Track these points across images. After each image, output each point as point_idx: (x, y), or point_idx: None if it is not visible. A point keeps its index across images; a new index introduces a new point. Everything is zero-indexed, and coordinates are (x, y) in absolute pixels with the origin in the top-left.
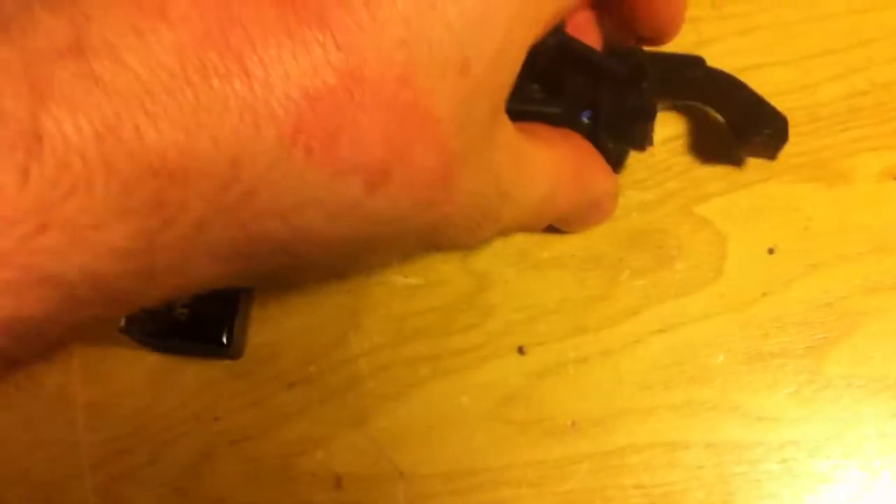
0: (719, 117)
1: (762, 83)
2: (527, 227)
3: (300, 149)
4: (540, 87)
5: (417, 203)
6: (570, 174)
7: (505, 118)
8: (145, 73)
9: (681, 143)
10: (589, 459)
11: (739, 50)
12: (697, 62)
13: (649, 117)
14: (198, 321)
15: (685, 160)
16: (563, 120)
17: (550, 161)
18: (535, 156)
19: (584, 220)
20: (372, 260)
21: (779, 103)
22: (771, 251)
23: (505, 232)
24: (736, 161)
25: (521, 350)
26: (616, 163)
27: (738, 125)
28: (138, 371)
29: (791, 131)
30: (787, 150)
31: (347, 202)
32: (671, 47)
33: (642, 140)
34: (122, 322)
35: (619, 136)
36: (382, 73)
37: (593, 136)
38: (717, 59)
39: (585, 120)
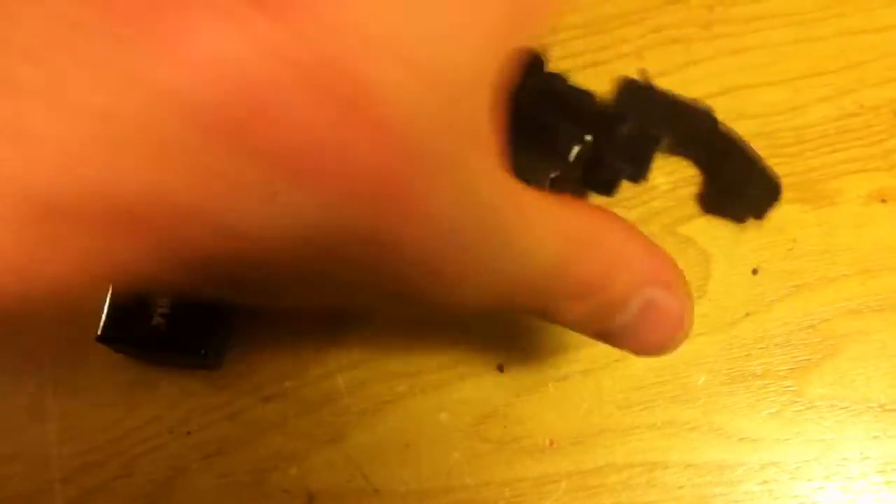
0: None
1: (751, 104)
2: (536, 304)
3: (216, 131)
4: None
5: (362, 208)
6: (593, 242)
7: (493, 155)
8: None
9: (666, 162)
10: (567, 478)
11: (729, 70)
12: (708, 116)
13: (651, 146)
14: (177, 331)
15: (670, 179)
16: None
17: (563, 219)
18: (542, 206)
19: (636, 331)
20: (326, 287)
21: (767, 124)
22: (755, 272)
23: (503, 301)
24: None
25: (500, 368)
26: (609, 185)
27: (732, 181)
28: (112, 382)
29: (779, 152)
30: (775, 170)
31: (271, 194)
32: (662, 65)
33: (639, 169)
34: (99, 330)
35: (621, 156)
36: (321, 56)
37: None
38: (706, 79)
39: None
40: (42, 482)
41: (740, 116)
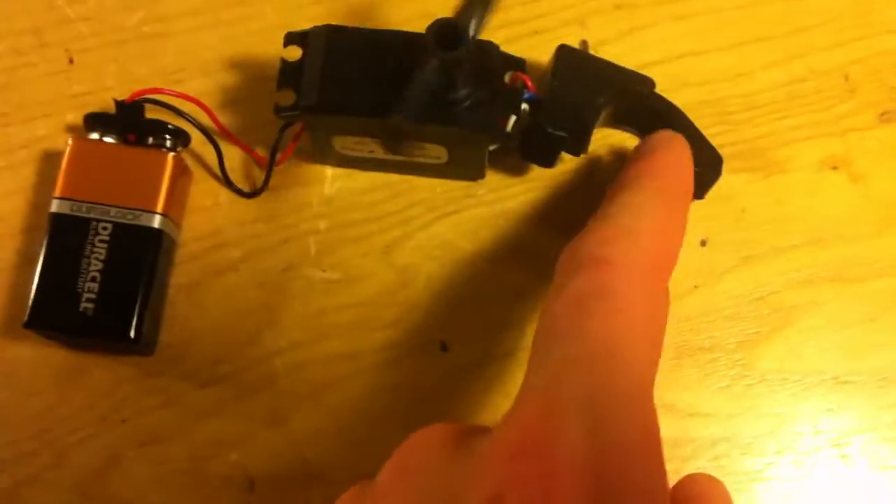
0: None
1: (697, 70)
2: None
3: None
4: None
5: None
6: None
7: None
8: None
9: (609, 133)
10: None
11: (674, 36)
12: (646, 81)
13: (591, 116)
14: (105, 315)
15: (614, 152)
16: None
17: None
18: None
19: None
20: None
21: (714, 91)
22: (703, 243)
23: None
24: None
25: (443, 346)
26: (548, 156)
27: None
28: (44, 371)
29: (726, 119)
30: (722, 138)
31: None
32: (604, 32)
33: (579, 141)
34: (27, 316)
35: (558, 125)
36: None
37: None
38: (651, 45)
39: (525, 104)
40: None
41: (686, 84)
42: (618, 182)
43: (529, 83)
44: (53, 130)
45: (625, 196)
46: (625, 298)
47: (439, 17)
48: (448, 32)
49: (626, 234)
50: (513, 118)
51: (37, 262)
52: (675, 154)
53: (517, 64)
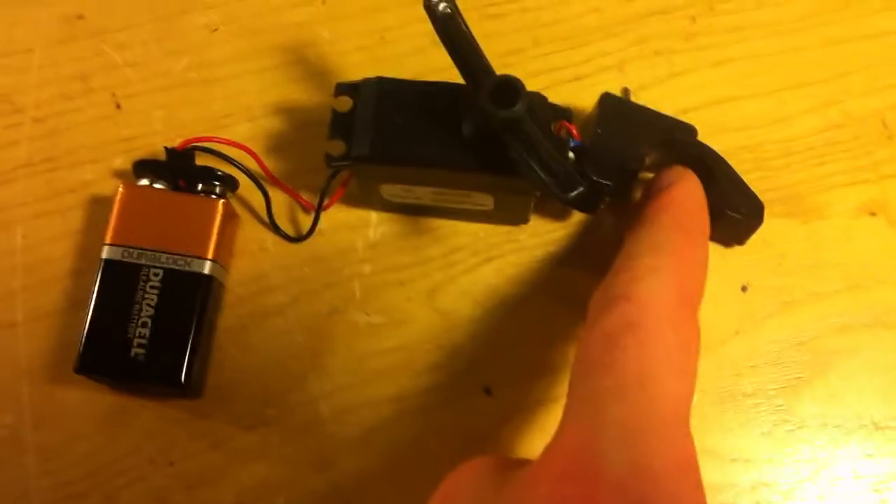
0: None
1: (736, 116)
2: None
3: None
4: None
5: None
6: None
7: None
8: None
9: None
10: None
11: (712, 82)
12: (689, 129)
13: (635, 165)
14: (155, 360)
15: None
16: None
17: None
18: None
19: None
20: None
21: (753, 136)
22: (744, 288)
23: None
24: None
25: (487, 390)
26: (594, 204)
27: (716, 202)
28: (92, 413)
29: (764, 165)
30: (761, 184)
31: None
32: (644, 77)
33: (622, 188)
34: (77, 361)
35: (603, 173)
36: None
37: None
38: (689, 91)
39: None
40: None
41: (724, 129)
42: (638, 220)
43: (575, 132)
44: (101, 175)
45: (646, 234)
46: (654, 332)
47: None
48: (506, 90)
49: (651, 272)
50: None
51: (86, 306)
52: (688, 188)
53: (564, 114)
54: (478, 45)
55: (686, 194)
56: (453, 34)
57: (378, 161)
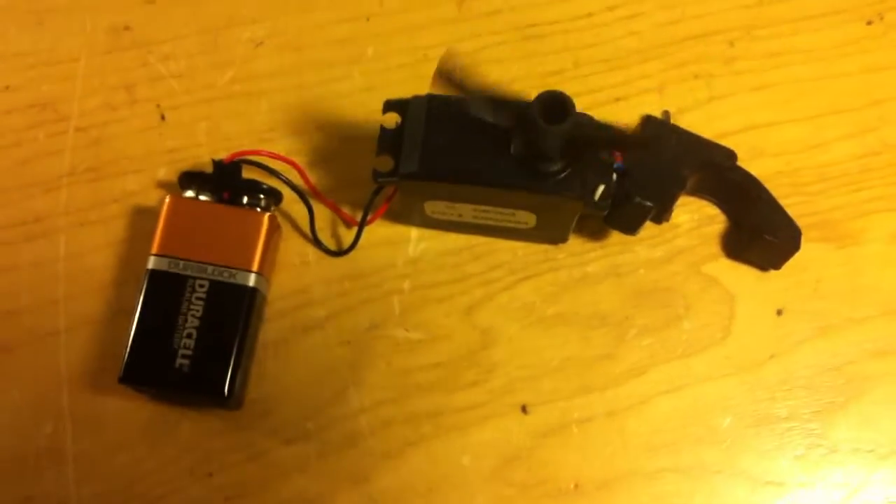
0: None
1: (774, 141)
2: None
3: None
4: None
5: None
6: None
7: None
8: None
9: (688, 201)
10: None
11: (751, 106)
12: (729, 154)
13: (676, 187)
14: (199, 372)
15: (693, 218)
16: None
17: None
18: None
19: None
20: None
21: (790, 162)
22: (779, 312)
23: None
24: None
25: (524, 409)
26: (633, 224)
27: (753, 226)
28: (132, 423)
29: (801, 191)
30: (798, 209)
31: None
32: (683, 100)
33: (663, 210)
34: (122, 371)
35: (645, 194)
36: None
37: (619, 188)
38: (728, 115)
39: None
40: None
41: (762, 154)
42: None
43: (617, 154)
44: (145, 185)
45: None
46: None
47: (546, 90)
48: (555, 105)
49: None
50: (601, 187)
51: (130, 316)
52: None
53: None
54: (498, 85)
55: None
56: (475, 91)
57: (426, 178)
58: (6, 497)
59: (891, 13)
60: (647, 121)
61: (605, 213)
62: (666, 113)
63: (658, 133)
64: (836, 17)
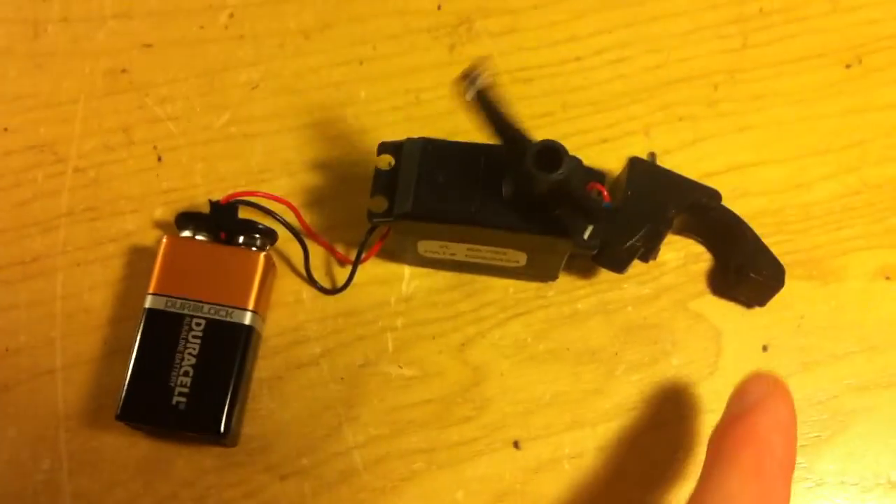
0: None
1: (757, 181)
2: None
3: None
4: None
5: None
6: None
7: None
8: None
9: (674, 238)
10: None
11: (734, 148)
12: (714, 194)
13: (663, 227)
14: (196, 409)
15: (679, 256)
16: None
17: None
18: None
19: None
20: None
21: (774, 201)
22: (765, 348)
23: None
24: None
25: (516, 444)
26: (622, 263)
27: (738, 264)
28: (128, 460)
29: (784, 229)
30: (782, 247)
31: None
32: (668, 142)
33: (650, 249)
34: (119, 409)
35: (632, 234)
36: None
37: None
38: (712, 156)
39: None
40: None
41: (746, 193)
42: (715, 450)
43: (605, 194)
44: (142, 225)
45: (720, 479)
46: None
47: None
48: (549, 155)
49: None
50: (590, 227)
51: (127, 354)
52: (776, 414)
53: (597, 177)
54: (512, 111)
55: (773, 424)
56: (492, 103)
57: (420, 218)
58: None
59: (868, 57)
60: (634, 162)
61: (594, 252)
62: (652, 154)
63: (643, 174)
64: (816, 60)
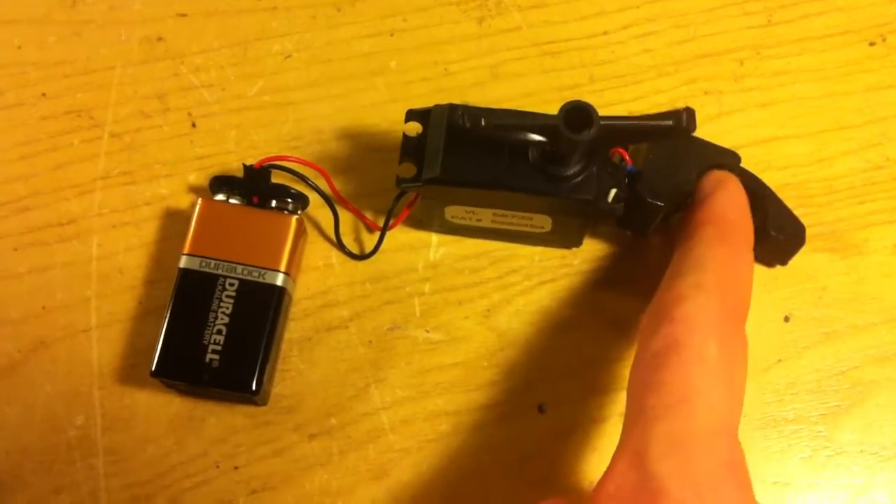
0: None
1: (780, 155)
2: None
3: None
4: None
5: None
6: None
7: None
8: None
9: None
10: None
11: (759, 122)
12: (734, 156)
13: (686, 189)
14: (229, 367)
15: None
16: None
17: None
18: None
19: None
20: None
21: (796, 175)
22: (787, 319)
23: None
24: None
25: (541, 408)
26: (645, 225)
27: (759, 223)
28: (161, 417)
29: (807, 203)
30: (804, 220)
31: None
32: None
33: (674, 211)
34: (154, 366)
35: (656, 195)
36: None
37: (631, 190)
38: (736, 130)
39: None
40: None
41: (769, 167)
42: (682, 234)
43: (627, 157)
44: (176, 190)
45: (689, 250)
46: (698, 350)
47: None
48: (579, 115)
49: (695, 291)
50: (614, 190)
51: (160, 314)
52: (728, 195)
53: None
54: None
55: (727, 202)
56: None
57: (448, 183)
58: (37, 487)
59: (893, 35)
60: None
61: (618, 214)
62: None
63: (646, 160)
64: (840, 38)
